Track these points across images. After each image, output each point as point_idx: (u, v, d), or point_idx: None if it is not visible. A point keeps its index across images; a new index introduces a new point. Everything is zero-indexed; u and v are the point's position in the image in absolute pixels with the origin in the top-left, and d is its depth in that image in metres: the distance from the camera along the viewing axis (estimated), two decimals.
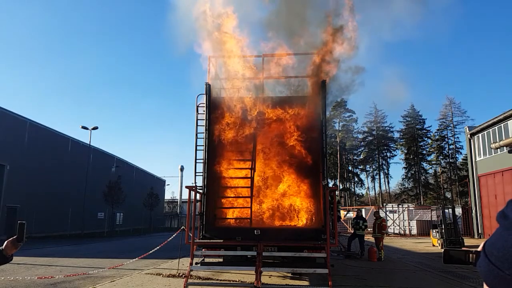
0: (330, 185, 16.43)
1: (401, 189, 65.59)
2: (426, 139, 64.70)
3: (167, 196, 72.12)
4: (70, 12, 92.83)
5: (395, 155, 66.22)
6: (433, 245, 19.18)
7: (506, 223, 0.74)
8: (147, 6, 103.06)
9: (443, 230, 16.80)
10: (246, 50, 9.01)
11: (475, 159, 25.32)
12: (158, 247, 11.60)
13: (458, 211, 26.74)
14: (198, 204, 8.72)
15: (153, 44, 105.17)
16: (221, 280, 8.97)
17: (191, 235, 7.99)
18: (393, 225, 29.62)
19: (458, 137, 60.48)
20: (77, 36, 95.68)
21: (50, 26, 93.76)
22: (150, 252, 11.30)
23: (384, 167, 65.64)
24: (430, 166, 64.96)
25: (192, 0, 9.25)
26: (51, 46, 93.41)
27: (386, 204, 38.43)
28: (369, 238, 16.55)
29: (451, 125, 61.33)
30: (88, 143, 34.85)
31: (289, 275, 9.57)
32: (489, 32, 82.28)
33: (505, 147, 21.41)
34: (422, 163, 63.80)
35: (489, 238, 0.80)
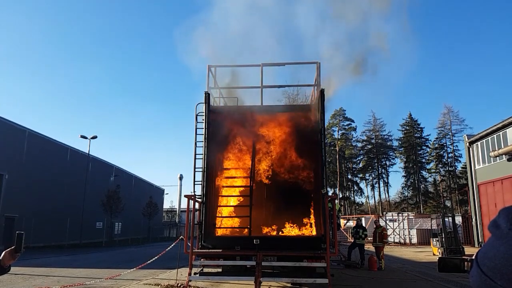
0: (330, 193, 16.42)
1: (400, 197, 65.45)
2: (425, 147, 64.86)
3: (166, 205, 71.76)
4: (70, 21, 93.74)
5: (394, 164, 66.32)
6: (434, 254, 19.04)
7: (498, 232, 0.73)
8: (145, 15, 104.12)
9: (443, 239, 16.71)
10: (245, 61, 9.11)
11: (474, 167, 25.31)
12: (156, 257, 11.50)
13: (458, 219, 26.60)
14: (197, 213, 8.68)
15: (152, 49, 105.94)
16: None
17: (190, 244, 7.94)
18: (393, 234, 29.43)
19: (457, 146, 60.70)
20: (76, 45, 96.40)
21: (49, 34, 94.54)
22: (148, 262, 11.20)
23: (384, 175, 65.66)
24: (430, 175, 65.01)
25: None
26: (49, 54, 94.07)
27: (386, 213, 38.23)
28: (369, 247, 16.44)
29: (450, 133, 61.58)
30: (87, 152, 34.83)
31: (289, 285, 9.47)
32: (488, 36, 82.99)
33: (504, 155, 21.42)
34: (421, 171, 63.80)
35: (481, 247, 0.79)
